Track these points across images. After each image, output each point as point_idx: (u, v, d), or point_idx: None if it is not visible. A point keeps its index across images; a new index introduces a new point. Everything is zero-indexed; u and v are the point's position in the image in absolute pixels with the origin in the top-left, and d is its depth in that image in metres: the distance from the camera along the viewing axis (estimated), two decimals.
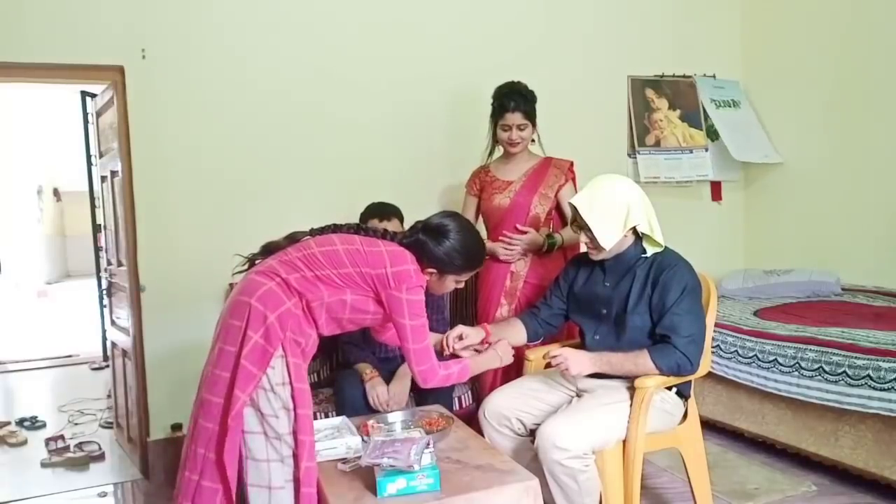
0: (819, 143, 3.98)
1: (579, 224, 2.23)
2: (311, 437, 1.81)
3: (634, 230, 2.21)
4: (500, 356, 2.22)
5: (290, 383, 1.80)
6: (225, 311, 1.88)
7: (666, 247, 2.25)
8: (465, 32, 3.63)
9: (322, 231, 2.02)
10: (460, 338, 2.22)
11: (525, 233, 2.75)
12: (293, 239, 2.00)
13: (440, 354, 2.17)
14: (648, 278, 2.20)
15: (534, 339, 2.48)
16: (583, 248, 2.38)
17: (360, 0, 3.44)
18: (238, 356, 1.76)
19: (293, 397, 1.80)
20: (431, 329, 2.87)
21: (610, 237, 2.16)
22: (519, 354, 2.61)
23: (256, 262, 1.99)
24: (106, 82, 3.18)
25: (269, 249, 2.00)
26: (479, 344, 2.26)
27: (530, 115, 2.76)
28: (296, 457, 1.79)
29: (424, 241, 1.99)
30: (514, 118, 2.73)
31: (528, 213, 2.81)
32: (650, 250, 2.24)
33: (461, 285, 2.13)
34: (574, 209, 2.23)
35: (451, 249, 1.99)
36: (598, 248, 2.21)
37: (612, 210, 2.16)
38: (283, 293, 1.83)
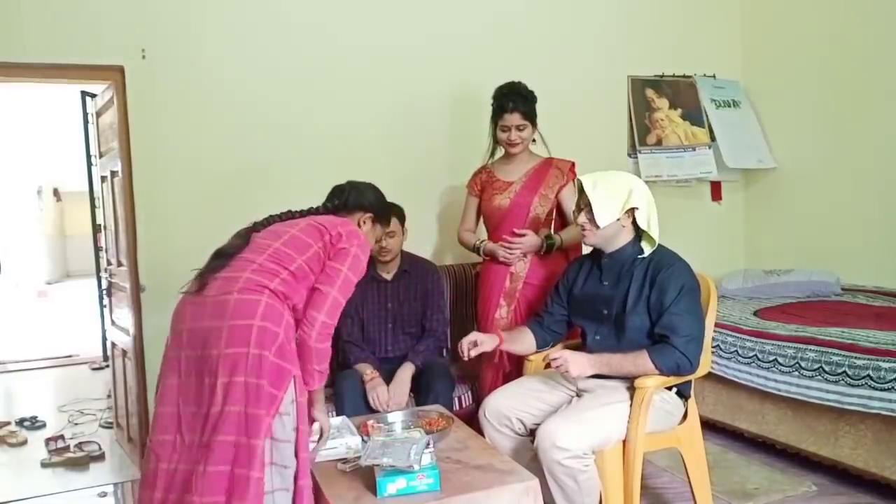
0: (819, 142, 3.98)
1: (580, 205, 2.27)
2: (307, 453, 1.78)
3: (636, 227, 2.22)
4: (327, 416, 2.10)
5: (297, 399, 1.74)
6: (210, 340, 1.68)
7: (663, 246, 2.26)
8: (465, 32, 3.64)
9: (265, 224, 1.99)
10: (475, 344, 2.30)
11: (523, 235, 2.75)
12: (241, 237, 1.92)
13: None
14: (646, 278, 2.20)
15: (543, 347, 2.48)
16: (584, 250, 2.39)
17: (361, 0, 3.45)
18: (258, 381, 1.64)
19: (297, 414, 1.74)
20: (431, 328, 2.91)
21: (607, 215, 2.18)
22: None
23: (208, 275, 1.82)
24: (106, 82, 3.18)
25: (221, 254, 1.87)
26: (491, 351, 2.38)
27: (529, 116, 2.75)
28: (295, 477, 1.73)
29: (355, 197, 2.17)
30: (513, 119, 2.73)
31: (528, 214, 2.81)
32: (647, 250, 2.24)
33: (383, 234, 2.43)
34: (579, 186, 2.26)
35: (372, 192, 2.24)
36: (594, 226, 2.21)
37: (615, 188, 2.20)
38: (278, 304, 1.76)
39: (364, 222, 2.17)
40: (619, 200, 2.19)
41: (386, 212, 2.34)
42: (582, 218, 2.27)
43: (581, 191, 2.25)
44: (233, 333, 1.67)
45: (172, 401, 1.72)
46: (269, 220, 2.02)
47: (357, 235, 1.97)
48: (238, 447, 1.62)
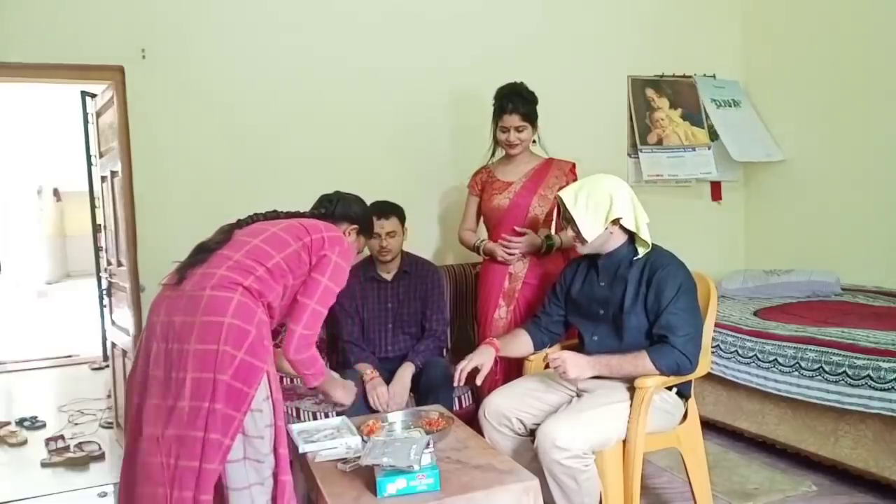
0: (819, 143, 3.98)
1: (565, 217, 2.26)
2: (286, 449, 1.78)
3: (626, 229, 2.21)
4: (345, 390, 2.24)
5: (272, 396, 1.74)
6: (182, 334, 1.69)
7: (658, 246, 2.26)
8: (466, 32, 3.64)
9: (249, 221, 2.00)
10: (476, 370, 2.28)
11: (523, 234, 2.75)
12: (223, 232, 1.93)
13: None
14: (642, 279, 2.20)
15: (540, 348, 2.48)
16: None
17: (362, 1, 3.45)
18: (227, 379, 1.64)
19: (274, 411, 1.75)
20: (431, 328, 2.91)
21: (592, 228, 2.18)
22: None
23: (188, 269, 1.82)
24: (106, 82, 3.19)
25: (202, 249, 1.87)
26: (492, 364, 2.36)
27: (529, 117, 2.75)
28: (274, 472, 1.74)
29: (342, 207, 2.20)
30: (512, 120, 2.73)
31: (526, 215, 2.81)
32: (642, 251, 2.24)
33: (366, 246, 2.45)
34: (561, 202, 2.25)
35: (359, 204, 2.27)
36: (582, 240, 2.22)
37: (595, 201, 2.17)
38: (251, 302, 1.75)
39: (349, 233, 2.19)
40: (602, 213, 2.17)
41: (370, 225, 2.37)
42: (570, 232, 2.28)
43: (563, 206, 2.24)
44: (203, 330, 1.67)
45: (138, 392, 1.73)
46: (254, 218, 2.02)
47: (339, 241, 1.96)
48: (206, 443, 1.62)
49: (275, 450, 1.75)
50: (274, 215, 2.06)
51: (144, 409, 1.70)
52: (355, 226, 2.22)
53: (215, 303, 1.70)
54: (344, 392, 2.22)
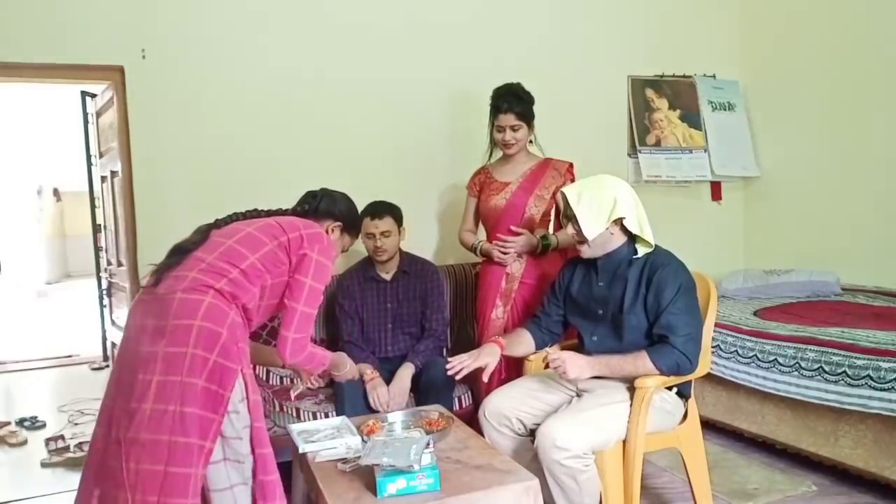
0: (819, 142, 3.98)
1: (567, 215, 2.26)
2: (270, 449, 1.76)
3: (627, 231, 2.21)
4: (346, 369, 2.31)
5: (248, 397, 1.74)
6: (153, 338, 1.68)
7: (657, 246, 2.26)
8: (466, 32, 3.64)
9: (227, 221, 1.98)
10: (479, 369, 2.27)
11: (519, 234, 2.76)
12: (200, 232, 1.91)
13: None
14: (642, 278, 2.20)
15: (542, 348, 2.47)
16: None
17: (361, 0, 3.45)
18: (200, 382, 1.64)
19: (250, 411, 1.74)
20: (431, 328, 2.91)
21: (594, 228, 2.18)
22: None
23: (164, 271, 1.80)
24: (106, 82, 3.19)
25: (179, 250, 1.85)
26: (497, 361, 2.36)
27: (524, 117, 2.75)
28: (253, 472, 1.73)
29: (326, 204, 2.15)
30: (507, 119, 2.73)
31: (522, 215, 2.81)
32: (641, 251, 2.24)
33: (352, 244, 2.33)
34: (564, 199, 2.24)
35: (345, 201, 2.21)
36: (582, 238, 2.22)
37: (598, 201, 2.18)
38: (223, 304, 1.73)
39: (332, 230, 2.14)
40: (605, 213, 2.17)
41: (356, 223, 2.31)
42: (570, 230, 2.28)
43: (566, 203, 2.24)
44: (174, 333, 1.67)
45: (111, 394, 1.73)
46: (233, 218, 2.00)
47: (319, 238, 1.94)
48: (172, 446, 1.60)
49: (254, 450, 1.74)
50: (254, 214, 2.04)
51: (114, 412, 1.68)
52: (339, 223, 2.17)
53: (186, 306, 1.69)
54: (344, 372, 2.28)
